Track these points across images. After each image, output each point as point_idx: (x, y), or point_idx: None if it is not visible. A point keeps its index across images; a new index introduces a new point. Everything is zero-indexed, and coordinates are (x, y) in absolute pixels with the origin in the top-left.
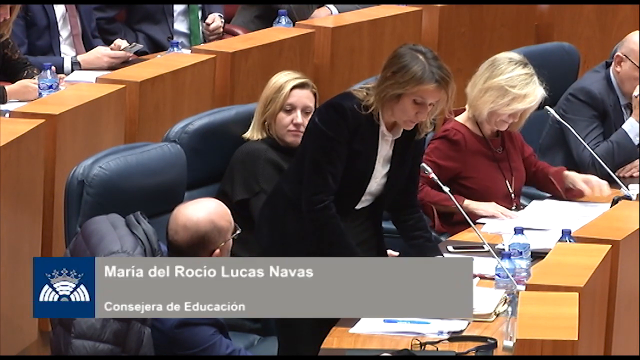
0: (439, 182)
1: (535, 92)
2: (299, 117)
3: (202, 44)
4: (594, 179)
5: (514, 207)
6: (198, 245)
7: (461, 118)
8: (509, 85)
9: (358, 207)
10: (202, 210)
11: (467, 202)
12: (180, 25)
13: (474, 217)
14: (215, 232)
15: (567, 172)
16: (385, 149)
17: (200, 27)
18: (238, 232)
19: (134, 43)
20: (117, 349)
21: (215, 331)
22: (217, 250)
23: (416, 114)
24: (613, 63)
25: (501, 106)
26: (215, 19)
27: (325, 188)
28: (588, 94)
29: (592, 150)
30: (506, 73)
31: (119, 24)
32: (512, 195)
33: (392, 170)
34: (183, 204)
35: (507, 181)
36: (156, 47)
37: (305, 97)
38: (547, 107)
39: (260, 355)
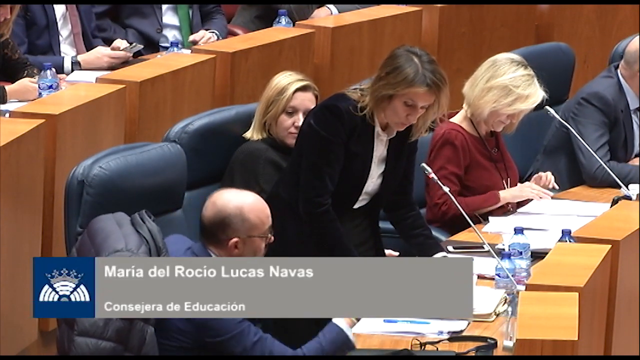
0: (438, 182)
1: (537, 93)
2: (300, 120)
3: (202, 45)
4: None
5: (510, 208)
6: (219, 225)
7: (456, 119)
8: (513, 85)
9: (356, 206)
10: (237, 197)
11: (503, 195)
12: (171, 19)
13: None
14: (239, 220)
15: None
16: (380, 149)
17: (191, 21)
18: (270, 237)
19: (134, 43)
20: (120, 347)
21: (241, 319)
22: (236, 239)
23: (407, 116)
24: (631, 77)
25: (503, 106)
26: (205, 35)
27: (323, 191)
28: (602, 99)
29: (601, 158)
30: (509, 73)
31: (109, 20)
32: None
33: (388, 170)
34: (227, 189)
35: (504, 181)
36: (147, 41)
37: (307, 100)
38: (547, 107)
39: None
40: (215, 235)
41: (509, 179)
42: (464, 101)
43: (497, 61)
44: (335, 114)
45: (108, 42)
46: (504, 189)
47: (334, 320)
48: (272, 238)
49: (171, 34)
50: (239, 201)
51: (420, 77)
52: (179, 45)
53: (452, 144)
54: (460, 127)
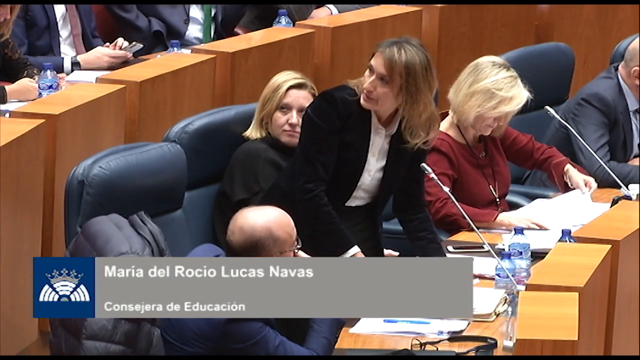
0: (438, 182)
1: (521, 95)
2: (294, 117)
3: (202, 44)
4: (593, 182)
5: (500, 211)
6: (251, 249)
7: (443, 127)
8: (496, 88)
9: (353, 204)
10: (262, 217)
11: (501, 217)
12: (196, 13)
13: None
14: (271, 241)
15: (567, 167)
16: (378, 142)
17: (212, 26)
18: (298, 246)
19: (134, 43)
20: (129, 350)
21: (262, 324)
22: None
23: (369, 82)
24: (630, 75)
25: (488, 109)
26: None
27: (315, 177)
28: (602, 100)
29: (601, 158)
30: (491, 76)
31: (134, 5)
32: (497, 200)
33: (388, 165)
34: (247, 208)
35: (490, 186)
36: (171, 32)
37: (302, 98)
38: (547, 107)
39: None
40: None
41: (497, 184)
42: (450, 107)
43: (478, 65)
44: (330, 102)
45: (128, 25)
46: (492, 195)
47: None
48: (300, 245)
49: (194, 29)
50: (265, 221)
51: (386, 44)
52: (179, 46)
53: (439, 150)
54: (447, 135)
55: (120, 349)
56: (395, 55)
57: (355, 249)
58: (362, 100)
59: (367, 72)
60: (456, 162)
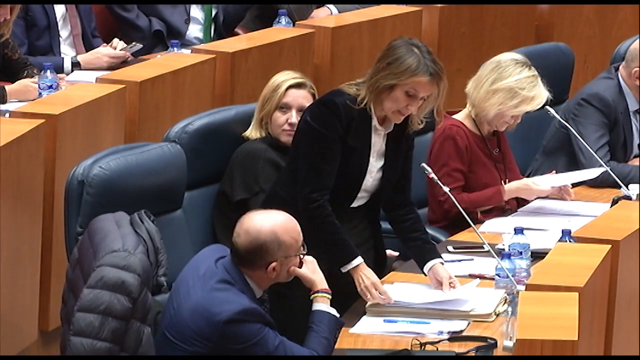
0: (438, 182)
1: (542, 94)
2: (293, 116)
3: (202, 44)
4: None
5: (508, 208)
6: (256, 252)
7: (459, 116)
8: (519, 87)
9: (354, 205)
10: (268, 221)
11: (507, 188)
12: (197, 13)
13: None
14: (275, 245)
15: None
16: (378, 143)
17: (212, 27)
18: (304, 251)
19: (134, 43)
20: (116, 348)
21: (261, 325)
22: (275, 263)
23: (407, 106)
24: (631, 76)
25: (509, 108)
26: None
27: (320, 187)
28: (602, 101)
29: (601, 158)
30: (514, 75)
31: (135, 4)
32: None
33: (387, 164)
34: (255, 211)
35: (502, 182)
36: (172, 31)
37: (301, 97)
38: (548, 107)
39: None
40: (253, 262)
41: (507, 181)
42: (468, 101)
43: (501, 62)
44: (331, 108)
45: (129, 24)
46: None
47: (316, 306)
48: (306, 250)
49: (194, 29)
50: (271, 225)
51: (423, 66)
52: (180, 46)
53: (454, 138)
54: (462, 123)
55: (106, 346)
56: (442, 75)
57: (358, 260)
58: (393, 117)
59: (402, 97)
60: (470, 150)
